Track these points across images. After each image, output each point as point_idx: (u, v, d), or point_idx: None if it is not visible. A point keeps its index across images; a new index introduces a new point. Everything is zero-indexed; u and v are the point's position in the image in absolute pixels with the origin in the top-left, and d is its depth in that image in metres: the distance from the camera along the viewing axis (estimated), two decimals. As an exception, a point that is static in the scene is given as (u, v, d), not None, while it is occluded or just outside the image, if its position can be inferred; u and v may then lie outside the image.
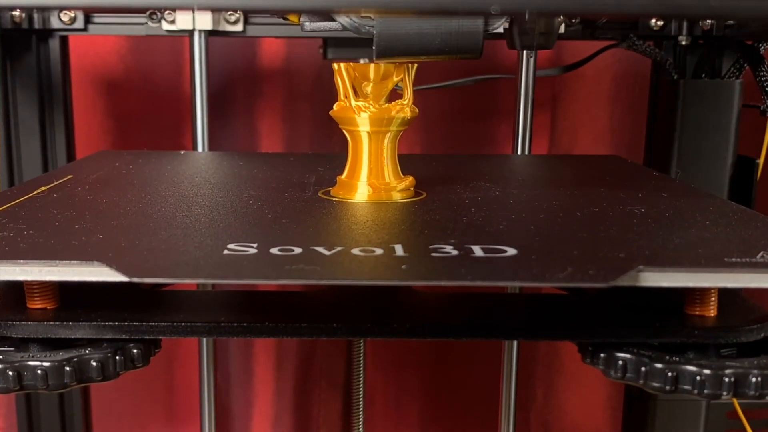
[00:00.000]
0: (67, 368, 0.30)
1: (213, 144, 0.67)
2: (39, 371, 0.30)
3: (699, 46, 0.66)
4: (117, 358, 0.31)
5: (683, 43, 0.65)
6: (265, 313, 0.32)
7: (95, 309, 0.32)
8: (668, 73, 0.65)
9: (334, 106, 0.42)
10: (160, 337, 0.32)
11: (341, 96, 0.41)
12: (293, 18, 0.45)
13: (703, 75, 0.65)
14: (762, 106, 0.60)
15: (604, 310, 0.33)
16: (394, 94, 0.42)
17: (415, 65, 0.42)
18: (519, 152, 0.66)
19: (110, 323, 0.31)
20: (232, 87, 0.79)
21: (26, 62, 0.66)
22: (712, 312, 0.32)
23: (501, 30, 0.42)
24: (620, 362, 0.31)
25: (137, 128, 0.80)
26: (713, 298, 0.32)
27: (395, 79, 0.42)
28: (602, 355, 0.31)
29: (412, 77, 0.42)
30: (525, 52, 0.64)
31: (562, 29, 0.64)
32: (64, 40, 0.67)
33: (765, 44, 0.61)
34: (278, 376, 0.85)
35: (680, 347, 0.31)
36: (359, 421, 0.69)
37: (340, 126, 0.42)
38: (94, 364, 0.30)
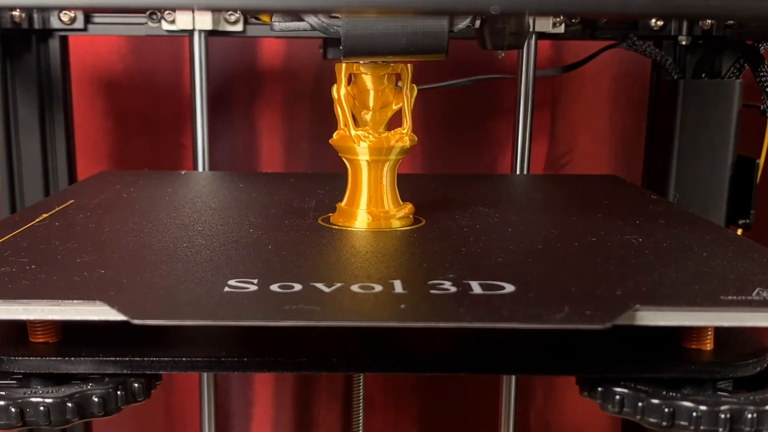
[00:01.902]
0: (69, 404, 0.30)
1: (213, 144, 0.67)
2: (41, 407, 0.30)
3: (699, 46, 0.66)
4: (119, 393, 0.31)
5: (683, 43, 0.65)
6: (265, 347, 0.32)
7: (97, 343, 0.32)
8: (668, 73, 0.65)
9: (334, 135, 0.42)
10: (161, 372, 0.32)
11: (341, 124, 0.42)
12: (265, 17, 0.45)
13: (703, 75, 0.65)
14: (762, 106, 0.60)
15: (602, 343, 0.33)
16: (394, 120, 0.43)
17: (415, 92, 0.42)
18: (519, 152, 0.66)
19: (112, 358, 0.31)
20: (232, 87, 0.79)
21: (26, 62, 0.66)
22: (709, 346, 0.32)
23: (463, 27, 0.42)
24: (617, 397, 0.31)
25: (137, 128, 0.80)
26: (710, 333, 0.32)
27: (394, 107, 0.42)
28: (599, 389, 0.32)
29: (411, 105, 0.42)
30: (524, 51, 0.64)
31: (561, 29, 0.64)
32: (64, 40, 0.67)
33: (765, 44, 0.61)
34: (278, 376, 0.85)
35: (677, 381, 0.31)
36: (359, 421, 0.69)
37: (339, 154, 0.42)
38: (96, 399, 0.31)
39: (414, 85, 0.42)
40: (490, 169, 0.82)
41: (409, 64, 0.41)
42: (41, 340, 0.32)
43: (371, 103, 0.42)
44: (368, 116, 0.42)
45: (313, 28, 0.38)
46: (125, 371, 0.31)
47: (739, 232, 0.64)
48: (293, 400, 0.86)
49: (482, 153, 0.82)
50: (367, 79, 0.41)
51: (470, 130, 0.81)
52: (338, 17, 0.37)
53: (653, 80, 0.70)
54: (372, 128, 0.42)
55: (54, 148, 0.68)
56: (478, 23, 0.43)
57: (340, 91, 0.41)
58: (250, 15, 0.63)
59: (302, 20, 0.40)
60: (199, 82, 0.65)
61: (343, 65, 0.41)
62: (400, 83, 0.42)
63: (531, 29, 0.63)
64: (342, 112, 0.41)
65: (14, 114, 0.66)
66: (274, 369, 0.32)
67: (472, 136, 0.81)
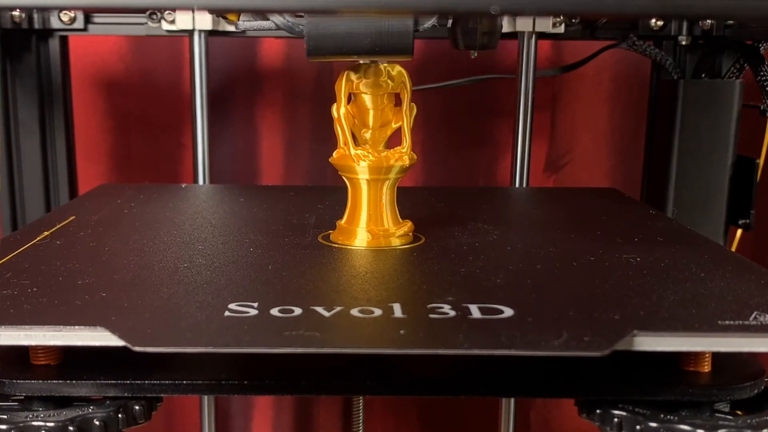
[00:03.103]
0: (71, 428, 0.31)
1: (213, 144, 0.67)
2: (43, 431, 0.30)
3: (699, 46, 0.66)
4: (120, 416, 0.31)
5: (683, 43, 0.65)
6: (266, 370, 0.32)
7: (98, 365, 0.32)
8: (668, 73, 0.65)
9: (334, 154, 0.43)
10: (162, 395, 0.32)
11: (341, 143, 0.42)
12: (232, 16, 0.45)
13: (703, 75, 0.65)
14: (762, 106, 0.60)
15: (601, 365, 0.33)
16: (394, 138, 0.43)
17: (414, 112, 0.42)
18: (519, 152, 0.66)
19: (113, 382, 0.31)
20: (232, 87, 0.79)
21: (26, 62, 0.66)
22: (707, 368, 0.32)
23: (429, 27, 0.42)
24: (615, 419, 0.31)
25: (137, 128, 0.80)
26: (707, 356, 0.32)
27: (394, 126, 0.42)
28: (598, 411, 0.32)
29: (411, 124, 0.42)
30: (525, 51, 0.64)
31: (561, 29, 0.64)
32: (64, 40, 0.67)
33: (765, 44, 0.61)
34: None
35: (675, 404, 0.31)
36: (359, 422, 0.69)
37: (339, 173, 0.43)
38: (98, 423, 0.31)
39: (413, 105, 0.42)
40: (490, 168, 0.82)
41: (408, 84, 0.42)
42: (43, 363, 0.32)
43: (371, 122, 0.42)
44: (368, 135, 0.42)
45: (278, 27, 0.38)
46: (126, 394, 0.32)
47: (739, 232, 0.64)
48: (293, 401, 0.86)
49: (482, 153, 0.82)
50: (367, 99, 0.41)
51: (470, 130, 0.81)
52: (302, 16, 0.37)
53: (653, 80, 0.70)
54: (372, 146, 0.42)
55: (54, 148, 0.68)
56: (450, 23, 0.43)
57: (339, 111, 0.42)
58: (217, 15, 0.62)
59: (267, 20, 0.40)
60: (199, 82, 0.65)
61: (343, 85, 0.41)
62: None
63: (503, 29, 0.63)
64: (342, 131, 0.42)
65: (14, 114, 0.66)
66: (274, 392, 0.32)
67: (472, 136, 0.81)
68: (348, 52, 0.38)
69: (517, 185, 0.67)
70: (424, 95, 0.79)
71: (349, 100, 0.42)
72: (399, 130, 0.42)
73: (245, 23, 0.41)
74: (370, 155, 0.41)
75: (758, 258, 0.82)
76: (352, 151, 0.41)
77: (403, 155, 0.41)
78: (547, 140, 0.82)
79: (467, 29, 0.41)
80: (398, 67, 0.41)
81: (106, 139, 0.80)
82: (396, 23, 0.37)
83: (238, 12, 0.60)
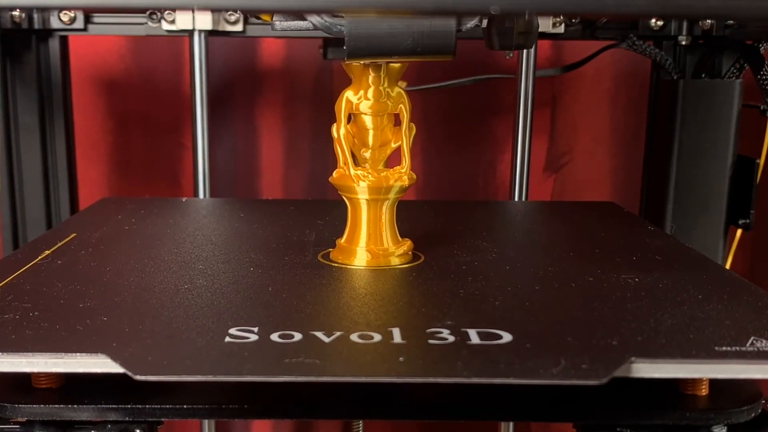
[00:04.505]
0: None
1: (213, 144, 0.67)
2: None
3: (699, 46, 0.66)
4: None
5: (683, 43, 0.65)
6: (266, 394, 0.33)
7: (99, 389, 0.32)
8: (668, 73, 0.65)
9: (334, 173, 0.43)
10: (163, 419, 0.33)
11: (340, 163, 0.42)
12: (266, 17, 0.45)
13: (703, 75, 0.65)
14: (762, 106, 0.60)
15: (599, 389, 0.33)
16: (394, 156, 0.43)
17: (413, 132, 0.42)
18: (519, 152, 0.66)
19: (114, 406, 0.32)
20: (232, 87, 0.79)
21: (26, 62, 0.66)
22: (704, 392, 0.33)
23: (470, 27, 0.41)
24: None
25: (137, 128, 0.80)
26: (705, 380, 0.33)
27: (393, 145, 0.43)
28: None
29: (410, 143, 0.42)
30: (525, 51, 0.64)
31: (561, 29, 0.64)
32: (64, 40, 0.67)
33: (765, 44, 0.61)
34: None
35: (673, 428, 0.32)
36: (359, 422, 0.69)
37: (339, 192, 0.43)
38: None
39: (413, 125, 0.43)
40: (490, 168, 0.82)
41: (407, 105, 0.42)
42: (44, 386, 0.32)
43: (371, 142, 0.42)
44: (367, 154, 0.42)
45: (315, 28, 0.38)
46: (127, 418, 0.32)
47: (739, 232, 0.64)
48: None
49: (482, 152, 0.82)
50: (367, 119, 0.42)
51: (470, 129, 0.81)
52: (341, 16, 0.37)
53: (653, 80, 0.70)
54: (371, 165, 0.42)
55: (54, 148, 0.68)
56: (485, 23, 0.42)
57: (339, 131, 0.42)
58: (250, 15, 0.63)
59: (304, 19, 0.40)
60: (199, 82, 0.65)
61: (343, 105, 0.42)
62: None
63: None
64: (342, 151, 0.42)
65: (14, 114, 0.66)
66: (274, 416, 0.33)
67: (472, 135, 0.81)
68: (389, 53, 0.37)
69: (517, 185, 0.67)
70: (424, 95, 0.79)
71: (348, 120, 0.42)
72: (398, 149, 0.43)
73: (281, 23, 0.41)
74: (369, 175, 0.42)
75: (758, 258, 0.82)
76: (352, 172, 0.42)
77: (402, 175, 0.42)
78: (547, 140, 0.82)
79: (503, 29, 0.41)
80: (397, 88, 0.42)
81: (106, 139, 0.80)
82: (438, 23, 0.36)
83: (235, 11, 0.60)
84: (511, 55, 0.49)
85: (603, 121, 0.81)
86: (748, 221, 0.63)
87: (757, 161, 0.62)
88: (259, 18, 0.63)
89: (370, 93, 0.41)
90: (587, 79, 0.80)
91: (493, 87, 0.79)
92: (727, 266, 0.65)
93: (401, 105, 0.42)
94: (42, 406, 0.31)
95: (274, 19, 0.41)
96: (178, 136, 0.80)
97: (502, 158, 0.81)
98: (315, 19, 0.37)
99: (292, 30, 0.41)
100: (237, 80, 0.79)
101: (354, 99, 0.42)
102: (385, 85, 0.41)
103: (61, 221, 0.69)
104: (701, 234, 0.65)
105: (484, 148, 0.82)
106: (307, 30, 0.40)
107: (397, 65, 0.42)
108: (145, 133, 0.80)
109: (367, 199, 0.42)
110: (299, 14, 0.40)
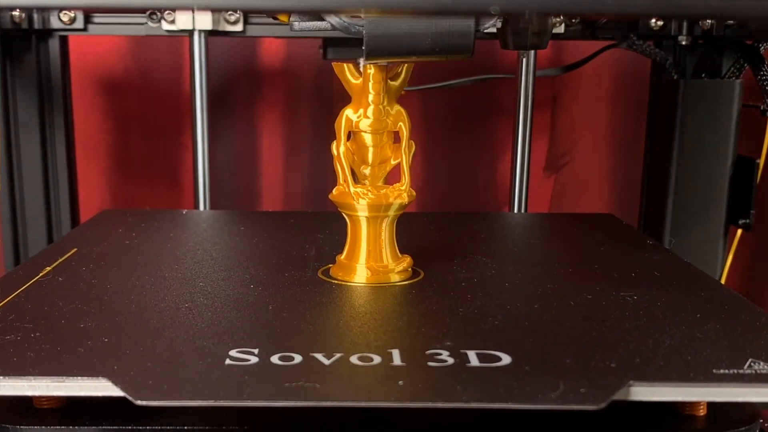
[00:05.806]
0: None
1: (213, 144, 0.67)
2: None
3: (699, 46, 0.66)
4: None
5: (683, 43, 0.65)
6: (267, 415, 0.33)
7: (100, 409, 0.32)
8: (668, 73, 0.65)
9: (334, 191, 0.43)
10: None
11: (340, 180, 0.42)
12: (283, 17, 0.45)
13: (703, 75, 0.65)
14: (762, 106, 0.60)
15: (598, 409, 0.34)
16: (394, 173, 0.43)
17: (413, 149, 0.43)
18: (519, 152, 0.66)
19: (115, 427, 0.32)
20: (232, 87, 0.79)
21: (26, 62, 0.66)
22: (702, 412, 0.33)
23: (493, 30, 0.42)
24: None
25: (137, 128, 0.80)
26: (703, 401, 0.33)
27: (393, 162, 0.43)
28: None
29: (410, 161, 0.43)
30: (524, 51, 0.64)
31: (561, 29, 0.64)
32: (64, 40, 0.67)
33: (765, 44, 0.61)
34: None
35: None
36: None
37: (339, 209, 0.43)
38: None
39: (412, 142, 0.43)
40: (490, 168, 0.82)
41: (407, 122, 0.42)
42: (46, 407, 0.33)
43: (370, 159, 0.42)
44: (367, 171, 0.43)
45: (334, 28, 0.38)
46: None
47: (739, 232, 0.64)
48: None
49: (482, 153, 0.82)
50: (367, 137, 0.42)
51: (470, 130, 0.81)
52: (359, 17, 0.37)
53: (653, 80, 0.70)
54: (370, 182, 0.43)
55: (54, 148, 0.68)
56: (500, 23, 0.42)
57: (339, 149, 0.42)
58: (268, 15, 0.62)
59: (322, 20, 0.40)
60: (199, 82, 0.65)
61: (343, 123, 0.42)
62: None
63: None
64: (341, 168, 0.42)
65: (14, 114, 0.66)
66: None
67: (472, 135, 0.81)
68: (408, 53, 0.37)
69: (517, 185, 0.67)
70: (424, 95, 0.79)
71: (348, 137, 0.43)
72: (397, 165, 0.43)
73: (300, 24, 0.41)
74: (369, 193, 0.42)
75: (758, 258, 0.82)
76: (352, 189, 0.42)
77: (402, 193, 0.42)
78: (547, 140, 0.82)
79: (518, 30, 0.41)
80: (397, 106, 0.42)
81: (106, 139, 0.80)
82: (457, 23, 0.36)
83: (235, 11, 0.59)
84: (525, 55, 0.49)
85: (603, 121, 0.81)
86: (748, 221, 0.63)
87: (757, 161, 0.62)
88: (276, 18, 0.63)
89: (370, 111, 0.41)
90: (587, 79, 0.80)
91: (493, 87, 0.79)
92: (727, 266, 0.65)
93: (401, 123, 0.42)
94: (43, 427, 0.32)
95: (291, 19, 0.41)
96: (178, 136, 0.80)
97: (502, 158, 0.81)
98: (334, 19, 0.37)
99: (310, 30, 0.41)
100: (237, 80, 0.79)
101: (354, 117, 0.42)
102: (385, 103, 0.42)
103: (61, 221, 0.69)
104: (701, 234, 0.65)
105: (484, 148, 0.82)
106: (325, 30, 0.40)
107: (396, 83, 0.42)
108: (145, 133, 0.80)
109: (366, 217, 0.42)
110: (312, 14, 0.40)
